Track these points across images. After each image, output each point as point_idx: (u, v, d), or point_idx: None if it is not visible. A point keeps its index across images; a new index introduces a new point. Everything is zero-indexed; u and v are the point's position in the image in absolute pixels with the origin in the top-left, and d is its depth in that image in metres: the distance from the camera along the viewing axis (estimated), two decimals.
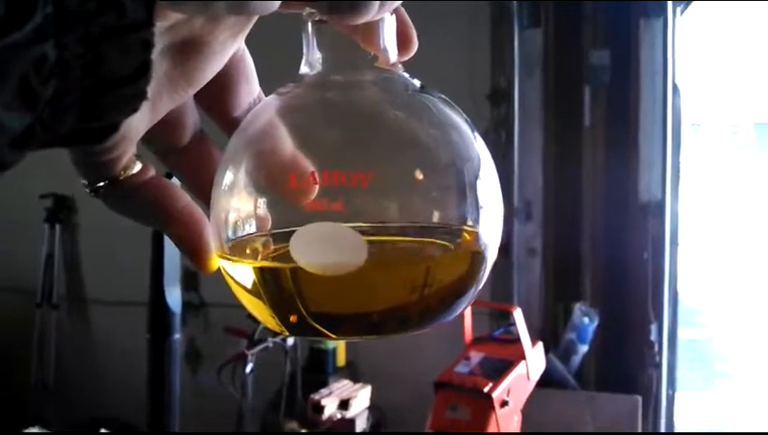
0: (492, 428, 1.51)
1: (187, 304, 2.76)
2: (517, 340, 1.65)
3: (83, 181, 0.29)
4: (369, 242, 0.28)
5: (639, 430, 2.19)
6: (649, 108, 2.33)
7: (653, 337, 2.33)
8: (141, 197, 0.30)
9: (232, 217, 0.29)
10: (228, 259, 0.30)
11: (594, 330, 2.31)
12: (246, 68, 0.31)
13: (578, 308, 2.33)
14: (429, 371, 1.70)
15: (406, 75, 0.31)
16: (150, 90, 0.24)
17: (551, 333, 2.39)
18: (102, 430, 2.11)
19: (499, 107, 2.45)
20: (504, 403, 1.54)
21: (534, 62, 2.43)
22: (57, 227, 3.02)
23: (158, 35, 0.23)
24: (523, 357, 1.61)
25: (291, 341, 2.18)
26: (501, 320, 2.11)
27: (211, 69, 0.27)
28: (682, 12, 2.38)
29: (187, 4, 0.23)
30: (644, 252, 2.33)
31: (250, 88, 0.32)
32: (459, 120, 0.30)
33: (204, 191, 0.31)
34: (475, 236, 0.29)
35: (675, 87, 2.34)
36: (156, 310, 1.37)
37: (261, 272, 0.29)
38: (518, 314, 1.64)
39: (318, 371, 2.39)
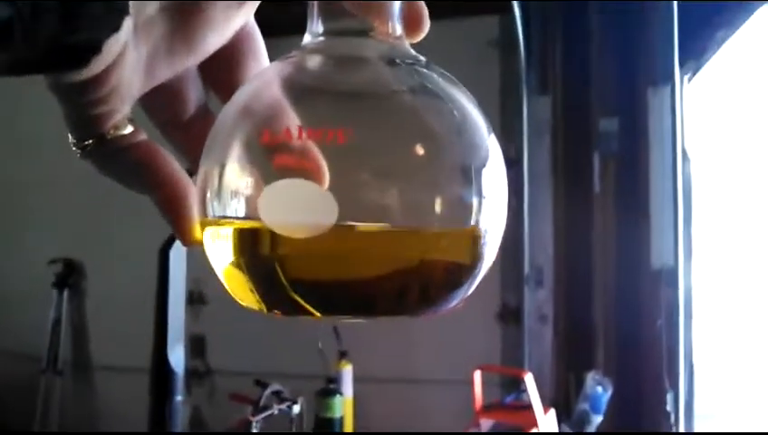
0: None
1: (192, 372, 2.73)
2: (528, 407, 1.60)
3: (72, 140, 0.28)
4: (351, 204, 0.25)
5: None
6: (659, 174, 2.33)
7: (669, 407, 2.26)
8: (129, 158, 0.28)
9: (217, 185, 0.27)
10: (208, 225, 0.28)
11: (608, 399, 2.25)
12: (255, 45, 0.30)
13: (591, 377, 2.27)
14: None
15: (411, 50, 0.30)
16: (146, 49, 0.23)
17: (563, 402, 2.33)
18: None
19: (509, 173, 2.45)
20: None
21: (543, 129, 2.45)
22: (65, 292, 3.01)
23: None
24: (534, 424, 1.57)
25: (297, 409, 2.13)
26: (512, 390, 2.06)
27: (213, 39, 0.27)
28: (690, 79, 2.40)
29: None
30: (658, 319, 2.29)
31: (258, 66, 0.30)
32: (459, 95, 0.29)
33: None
34: (472, 210, 0.27)
35: (684, 153, 2.34)
36: (158, 370, 1.35)
37: (240, 236, 0.27)
38: (529, 379, 1.60)
39: None
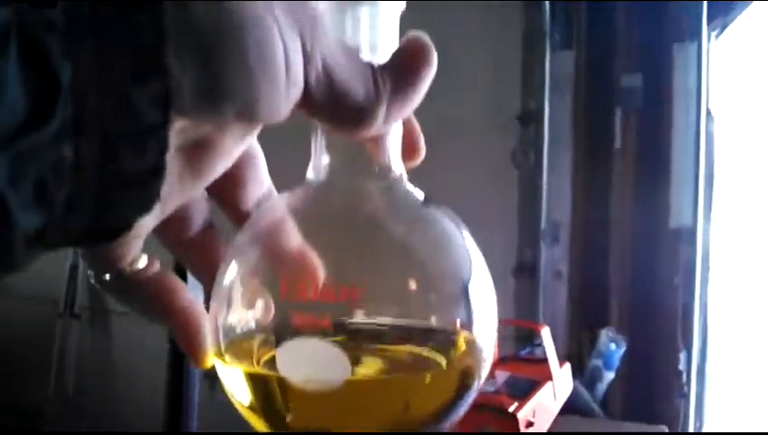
0: None
1: None
2: (543, 360, 1.61)
3: (89, 272, 0.30)
4: (357, 358, 0.29)
5: None
6: (682, 132, 2.30)
7: (681, 366, 2.27)
8: (144, 291, 0.31)
9: (230, 316, 0.29)
10: (222, 361, 0.30)
11: (621, 357, 2.26)
12: (256, 162, 0.32)
13: (604, 334, 2.28)
14: None
15: (410, 187, 0.31)
16: (162, 190, 0.24)
17: (576, 359, 2.34)
18: None
19: (528, 128, 2.42)
20: (529, 424, 1.49)
21: (565, 83, 2.41)
22: None
23: (170, 137, 0.23)
24: (549, 377, 1.57)
25: None
26: (524, 344, 2.07)
27: (221, 167, 0.28)
28: (717, 36, 2.35)
29: (196, 113, 0.23)
30: (674, 278, 2.29)
31: (259, 182, 0.33)
32: (459, 236, 0.31)
33: (209, 281, 0.32)
34: (467, 356, 0.30)
35: (708, 112, 2.30)
36: None
37: (251, 378, 0.29)
38: (546, 333, 1.60)
39: None
